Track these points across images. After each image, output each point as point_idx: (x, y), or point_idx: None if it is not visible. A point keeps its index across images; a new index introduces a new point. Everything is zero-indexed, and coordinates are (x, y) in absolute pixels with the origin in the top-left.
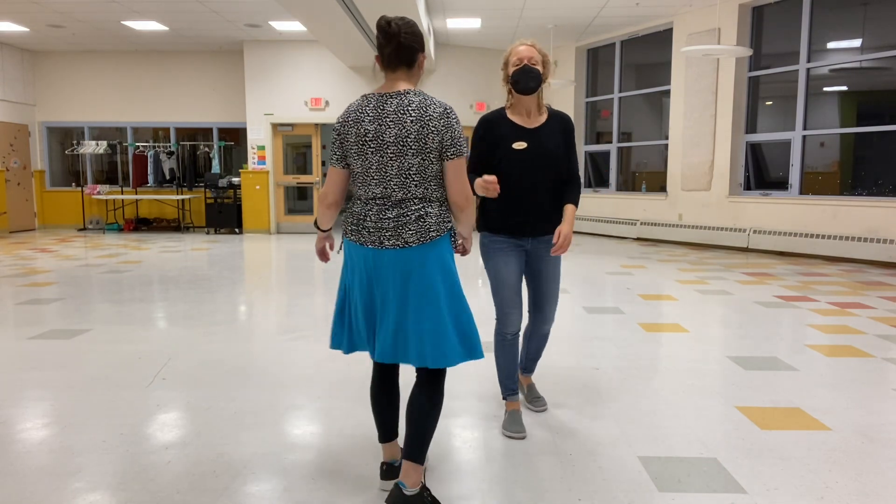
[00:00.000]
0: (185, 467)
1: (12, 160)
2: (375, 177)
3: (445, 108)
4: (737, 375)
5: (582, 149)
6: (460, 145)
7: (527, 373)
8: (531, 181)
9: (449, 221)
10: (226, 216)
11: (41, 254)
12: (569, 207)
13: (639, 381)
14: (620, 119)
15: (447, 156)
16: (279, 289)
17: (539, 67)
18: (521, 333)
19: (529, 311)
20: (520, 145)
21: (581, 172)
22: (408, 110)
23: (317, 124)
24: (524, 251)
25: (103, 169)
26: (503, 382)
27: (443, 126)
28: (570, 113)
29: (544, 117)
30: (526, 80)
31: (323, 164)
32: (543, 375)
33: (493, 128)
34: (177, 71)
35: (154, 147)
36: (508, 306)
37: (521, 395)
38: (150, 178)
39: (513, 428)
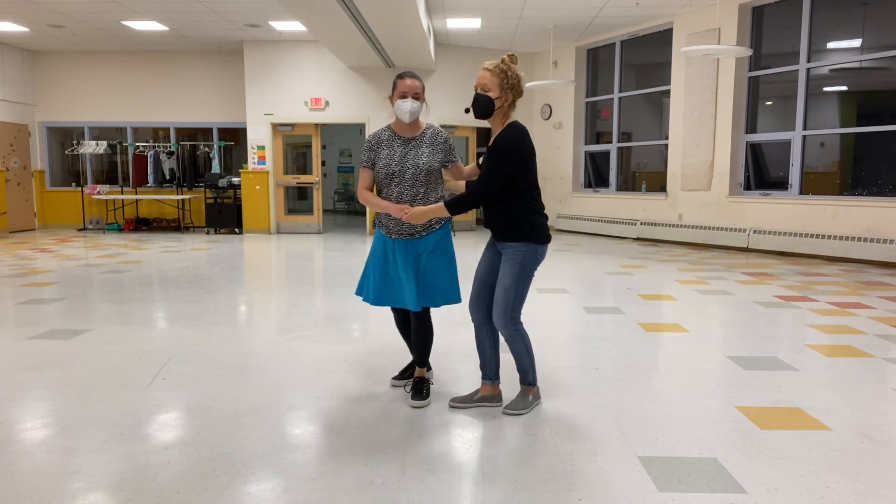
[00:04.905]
0: (185, 467)
1: (12, 160)
2: None
3: None
4: (737, 375)
5: (582, 149)
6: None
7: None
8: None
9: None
10: (226, 216)
11: (41, 254)
12: (441, 203)
13: (639, 381)
14: (620, 119)
15: None
16: (279, 289)
17: (492, 93)
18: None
19: None
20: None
21: (580, 172)
22: None
23: (317, 124)
24: (497, 249)
25: (103, 169)
26: None
27: None
28: (570, 113)
29: (496, 135)
30: (474, 108)
31: (323, 163)
32: (544, 375)
33: None
34: (177, 71)
35: (154, 147)
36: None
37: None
38: (150, 178)
39: (456, 397)
